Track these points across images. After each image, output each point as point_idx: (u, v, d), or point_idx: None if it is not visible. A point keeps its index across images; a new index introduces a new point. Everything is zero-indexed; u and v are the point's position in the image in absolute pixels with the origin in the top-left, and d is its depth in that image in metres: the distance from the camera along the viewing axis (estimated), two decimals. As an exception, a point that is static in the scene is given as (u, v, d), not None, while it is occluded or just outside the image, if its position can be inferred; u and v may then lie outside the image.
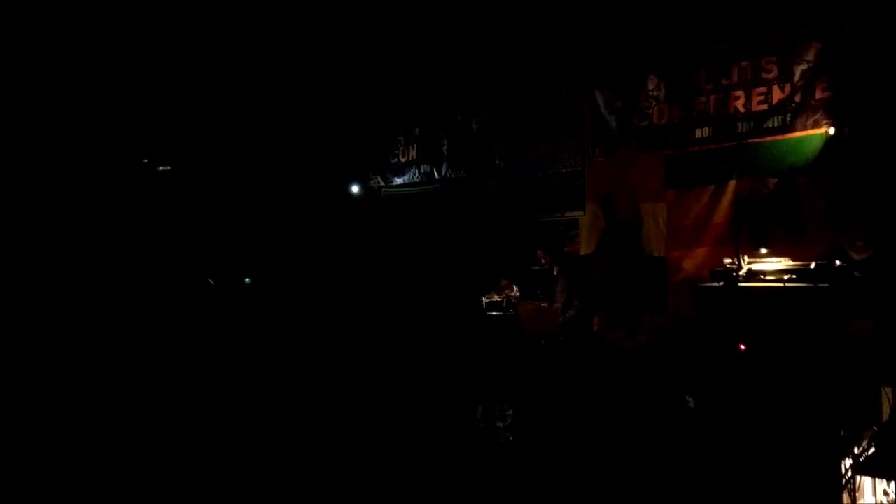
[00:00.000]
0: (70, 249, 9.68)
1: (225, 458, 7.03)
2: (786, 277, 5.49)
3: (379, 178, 10.47)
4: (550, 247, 8.14)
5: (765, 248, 6.23)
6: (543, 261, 8.10)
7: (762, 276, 5.70)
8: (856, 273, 5.53)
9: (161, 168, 11.22)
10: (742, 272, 5.77)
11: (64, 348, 8.69)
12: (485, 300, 8.31)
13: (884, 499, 5.04)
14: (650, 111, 7.64)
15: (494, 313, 8.22)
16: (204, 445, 7.33)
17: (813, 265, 5.47)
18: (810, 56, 6.55)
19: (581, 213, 8.26)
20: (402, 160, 10.20)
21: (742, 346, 5.51)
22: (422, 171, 9.95)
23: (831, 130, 6.44)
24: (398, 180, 10.26)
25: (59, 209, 9.85)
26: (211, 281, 10.59)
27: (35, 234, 9.40)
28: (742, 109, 6.99)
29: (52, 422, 7.36)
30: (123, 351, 9.07)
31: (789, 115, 6.71)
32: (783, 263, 5.76)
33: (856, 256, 5.79)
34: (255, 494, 6.35)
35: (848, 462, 4.97)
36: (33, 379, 7.90)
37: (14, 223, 9.08)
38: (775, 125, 6.81)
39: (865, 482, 5.08)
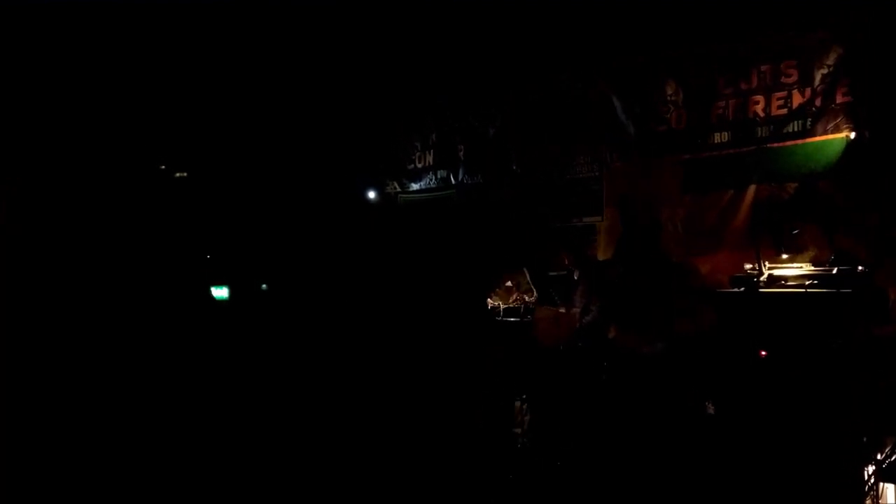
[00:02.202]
0: (76, 252, 9.70)
1: (229, 459, 7.06)
2: (807, 283, 5.46)
3: (395, 184, 10.47)
4: (572, 251, 8.13)
5: (785, 253, 6.21)
6: (567, 262, 8.07)
7: (783, 282, 5.68)
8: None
9: (178, 175, 11.28)
10: (763, 278, 5.75)
11: (67, 351, 8.71)
12: (501, 305, 8.32)
13: (907, 505, 5.01)
14: (668, 116, 7.62)
15: (511, 319, 8.24)
16: (209, 447, 7.37)
17: (835, 270, 5.45)
18: (831, 60, 6.51)
19: (599, 218, 8.25)
20: (419, 166, 10.21)
21: (763, 353, 5.49)
22: (438, 176, 9.96)
23: (852, 135, 6.40)
24: (415, 186, 10.26)
25: (65, 211, 9.89)
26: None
27: (38, 235, 9.45)
28: (761, 114, 6.96)
29: (53, 423, 7.38)
30: (129, 354, 9.09)
31: (809, 119, 6.68)
32: (804, 268, 5.73)
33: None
34: (256, 494, 6.36)
35: (870, 469, 4.94)
36: (35, 380, 7.94)
37: (15, 224, 9.14)
38: (795, 130, 6.78)
39: (888, 489, 5.05)
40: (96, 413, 7.84)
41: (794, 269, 5.78)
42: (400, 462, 6.77)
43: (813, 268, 5.71)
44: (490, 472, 6.57)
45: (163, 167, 11.18)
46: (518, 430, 7.37)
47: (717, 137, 7.31)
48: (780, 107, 6.86)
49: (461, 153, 9.63)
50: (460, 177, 9.64)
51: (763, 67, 6.94)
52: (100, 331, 9.20)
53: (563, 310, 8.00)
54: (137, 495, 6.34)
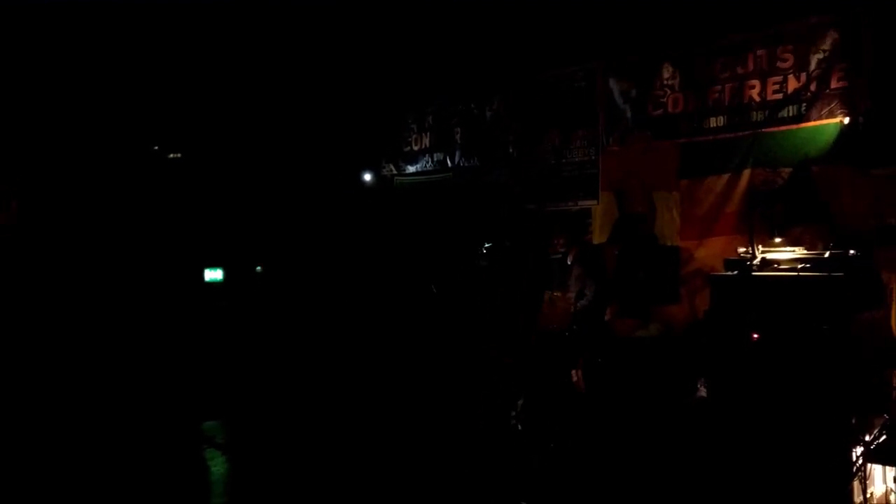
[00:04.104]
0: (76, 243, 9.72)
1: (224, 456, 7.10)
2: (800, 266, 5.49)
3: (391, 167, 10.49)
4: (568, 235, 8.16)
5: (778, 237, 6.24)
6: (561, 249, 8.11)
7: (776, 266, 5.71)
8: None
9: (171, 156, 11.26)
10: (756, 261, 5.79)
11: (68, 346, 8.74)
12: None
13: (894, 486, 5.06)
14: (665, 100, 7.63)
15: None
16: (205, 443, 7.41)
17: (827, 254, 5.48)
18: (826, 45, 6.52)
19: (594, 202, 8.26)
20: (415, 148, 10.22)
21: (755, 335, 5.53)
22: (435, 159, 9.97)
23: (846, 120, 6.42)
24: (411, 168, 10.27)
25: (64, 202, 9.89)
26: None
27: (39, 231, 9.46)
28: (757, 98, 6.97)
29: (54, 421, 7.42)
30: (128, 347, 9.13)
31: (804, 104, 6.68)
32: (797, 252, 5.77)
33: None
34: (252, 494, 6.39)
35: (859, 450, 5.00)
36: (36, 377, 7.97)
37: (16, 222, 9.16)
38: (790, 115, 6.78)
39: (876, 470, 5.10)
40: (96, 398, 7.90)
41: (787, 253, 5.82)
42: (393, 454, 6.83)
43: (806, 251, 5.75)
44: (489, 467, 6.61)
45: (156, 148, 11.17)
46: (512, 414, 7.40)
47: (712, 122, 7.32)
48: (775, 91, 6.86)
49: (458, 136, 9.64)
50: (457, 160, 9.65)
51: (759, 52, 6.94)
52: (100, 318, 9.26)
53: (557, 293, 8.04)
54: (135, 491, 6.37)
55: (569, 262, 7.99)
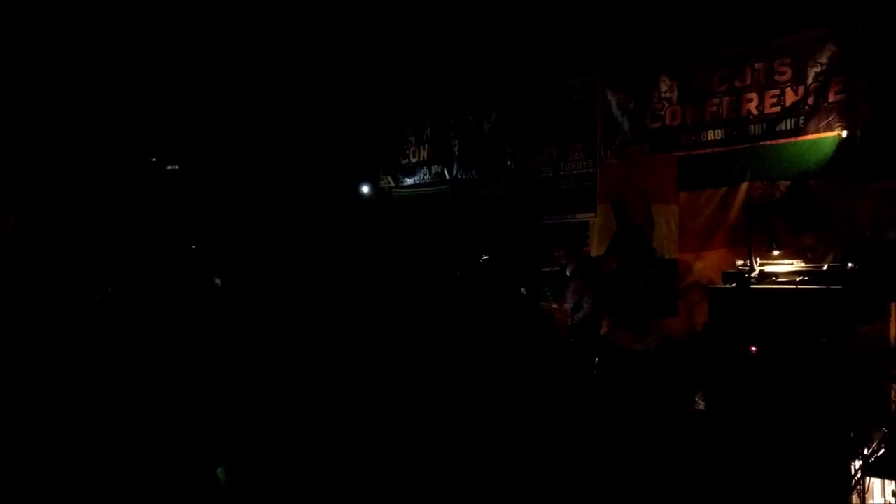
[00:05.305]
0: (73, 252, 9.69)
1: (225, 459, 7.04)
2: (798, 279, 5.48)
3: (389, 179, 10.50)
4: (566, 247, 8.16)
5: (777, 250, 6.24)
6: (562, 261, 8.10)
7: (774, 278, 5.70)
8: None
9: (169, 167, 11.26)
10: (754, 274, 5.77)
11: (64, 351, 8.70)
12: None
13: (893, 500, 5.03)
14: (662, 113, 7.65)
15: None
16: (207, 446, 7.35)
17: (825, 267, 5.48)
18: (824, 58, 6.54)
19: (592, 214, 8.27)
20: (413, 160, 10.24)
21: (753, 349, 5.51)
22: (433, 171, 9.99)
23: (844, 133, 6.43)
24: (409, 181, 10.29)
25: (62, 211, 9.88)
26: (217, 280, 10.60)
27: (38, 237, 9.44)
28: (755, 112, 6.99)
29: (51, 425, 7.37)
30: (126, 352, 9.08)
31: (802, 117, 6.70)
32: (795, 265, 5.76)
33: None
34: (252, 496, 6.34)
35: (857, 463, 4.97)
36: (34, 383, 7.92)
37: (13, 234, 9.14)
38: (788, 128, 6.80)
39: (875, 483, 5.07)
40: (95, 403, 7.85)
41: (786, 266, 5.80)
42: (396, 461, 6.77)
43: (804, 264, 5.74)
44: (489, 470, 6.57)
45: (154, 160, 11.16)
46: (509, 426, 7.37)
47: (710, 135, 7.33)
48: (773, 105, 6.88)
49: (456, 148, 9.66)
50: (455, 172, 9.67)
51: (757, 65, 6.97)
52: (99, 324, 9.21)
53: (555, 306, 8.03)
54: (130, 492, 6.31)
55: (567, 275, 7.98)
